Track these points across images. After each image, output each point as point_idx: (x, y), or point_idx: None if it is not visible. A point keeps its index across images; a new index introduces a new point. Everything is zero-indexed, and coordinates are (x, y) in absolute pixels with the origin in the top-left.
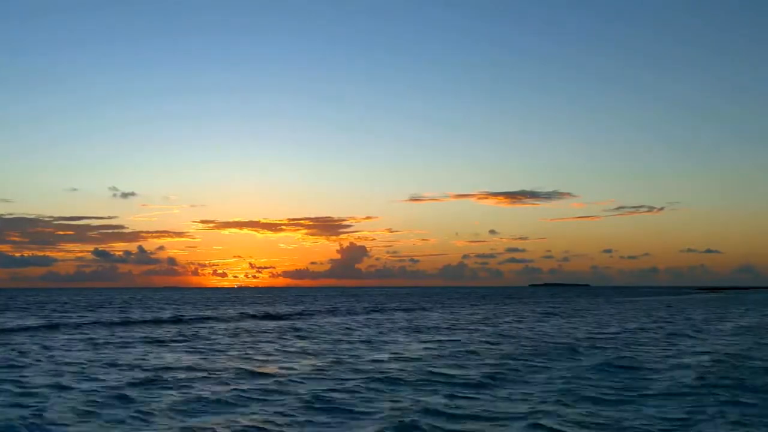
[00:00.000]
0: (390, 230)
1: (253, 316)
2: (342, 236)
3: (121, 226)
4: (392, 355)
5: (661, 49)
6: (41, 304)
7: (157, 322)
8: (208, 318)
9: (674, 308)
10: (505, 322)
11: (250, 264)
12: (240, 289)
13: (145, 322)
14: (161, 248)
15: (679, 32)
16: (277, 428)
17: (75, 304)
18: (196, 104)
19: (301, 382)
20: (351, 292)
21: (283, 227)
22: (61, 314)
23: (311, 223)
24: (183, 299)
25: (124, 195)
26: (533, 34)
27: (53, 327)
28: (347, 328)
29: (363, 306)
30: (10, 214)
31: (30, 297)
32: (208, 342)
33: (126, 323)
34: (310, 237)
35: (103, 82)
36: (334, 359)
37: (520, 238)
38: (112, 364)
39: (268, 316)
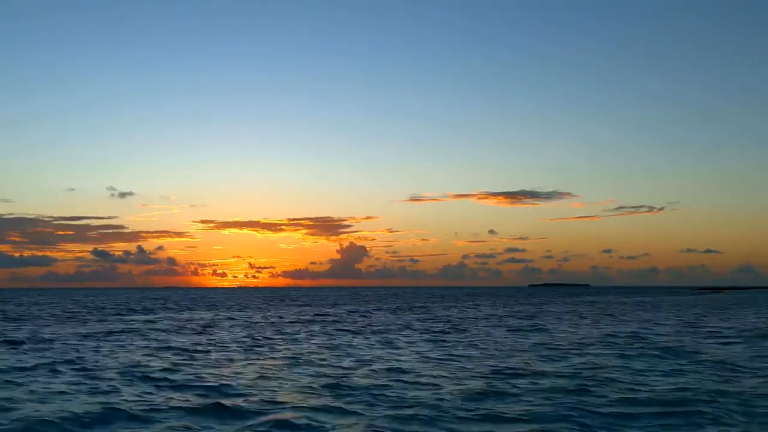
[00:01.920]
0: (390, 230)
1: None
2: (342, 236)
3: (121, 226)
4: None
5: (661, 49)
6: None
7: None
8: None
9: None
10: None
11: (250, 264)
12: (240, 289)
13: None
14: (161, 248)
15: (679, 32)
16: None
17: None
18: (195, 104)
19: None
20: (387, 292)
21: (283, 227)
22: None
23: (311, 223)
24: (245, 298)
25: (122, 195)
26: (533, 34)
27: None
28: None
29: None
30: (10, 214)
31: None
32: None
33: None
34: (310, 237)
35: (102, 82)
36: None
37: (520, 238)
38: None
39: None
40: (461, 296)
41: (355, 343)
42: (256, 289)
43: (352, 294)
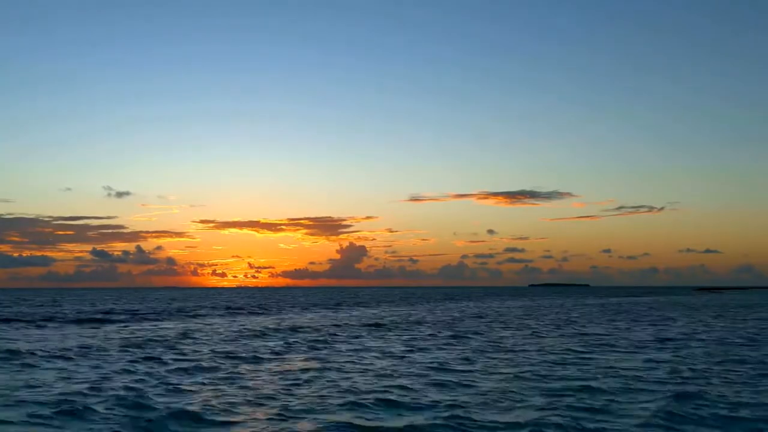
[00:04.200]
0: (390, 230)
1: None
2: (342, 236)
3: (121, 226)
4: None
5: (660, 49)
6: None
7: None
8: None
9: None
10: None
11: (249, 264)
12: (240, 288)
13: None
14: (160, 248)
15: (679, 32)
16: None
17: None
18: (194, 104)
19: None
20: (401, 293)
21: (283, 227)
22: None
23: (311, 223)
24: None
25: (119, 194)
26: (532, 34)
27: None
28: None
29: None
30: (10, 214)
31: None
32: None
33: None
34: (310, 237)
35: (101, 83)
36: None
37: (520, 238)
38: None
39: None
40: (532, 293)
41: None
42: (258, 289)
43: (399, 294)
